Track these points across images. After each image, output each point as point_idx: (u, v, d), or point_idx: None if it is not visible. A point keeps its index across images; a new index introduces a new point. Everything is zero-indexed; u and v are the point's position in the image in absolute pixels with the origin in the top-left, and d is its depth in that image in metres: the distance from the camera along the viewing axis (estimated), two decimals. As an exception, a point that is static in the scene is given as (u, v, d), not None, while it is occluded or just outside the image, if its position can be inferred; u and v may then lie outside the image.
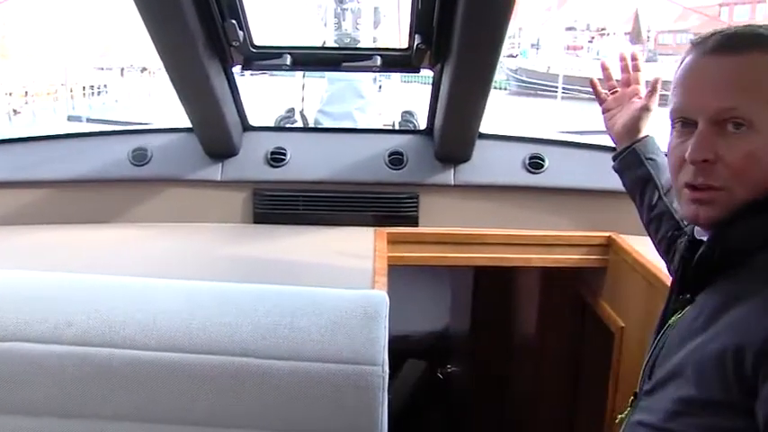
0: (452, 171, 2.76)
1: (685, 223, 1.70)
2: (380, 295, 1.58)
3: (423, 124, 2.93)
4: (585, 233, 2.74)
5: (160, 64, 2.32)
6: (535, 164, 2.76)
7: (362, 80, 6.03)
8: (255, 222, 2.78)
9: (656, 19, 49.38)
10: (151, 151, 2.76)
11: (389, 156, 2.77)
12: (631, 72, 1.90)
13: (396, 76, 8.00)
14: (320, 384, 1.45)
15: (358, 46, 6.05)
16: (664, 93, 1.51)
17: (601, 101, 1.95)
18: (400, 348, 3.68)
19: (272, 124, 5.38)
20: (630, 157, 1.83)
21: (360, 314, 1.51)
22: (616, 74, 1.93)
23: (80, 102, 27.34)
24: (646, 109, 1.83)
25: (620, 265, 2.59)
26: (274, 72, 2.77)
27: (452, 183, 2.76)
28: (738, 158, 1.18)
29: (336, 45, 6.05)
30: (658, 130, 1.73)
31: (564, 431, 3.20)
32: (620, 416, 1.44)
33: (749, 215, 1.18)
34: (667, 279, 2.09)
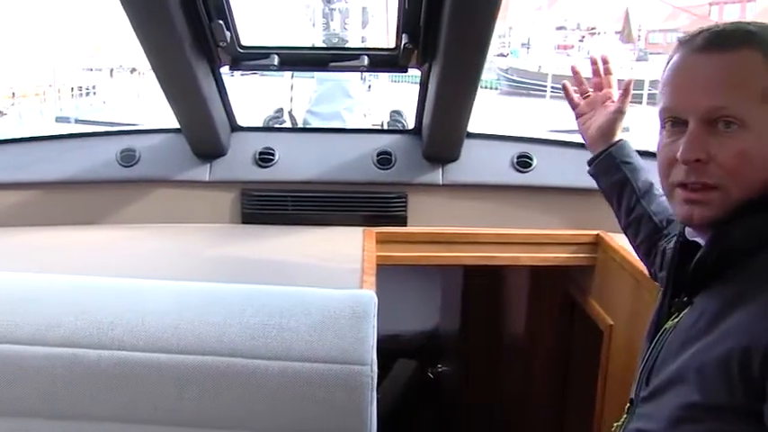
0: (441, 170, 2.76)
1: (664, 224, 1.71)
2: (369, 295, 1.58)
3: (411, 124, 2.93)
4: (574, 232, 2.74)
5: (149, 64, 2.31)
6: (523, 163, 2.77)
7: (351, 80, 6.04)
8: (244, 223, 2.78)
9: (646, 18, 49.50)
10: (139, 152, 2.75)
11: (378, 155, 2.77)
12: (603, 75, 1.90)
13: (385, 76, 8.01)
14: (309, 384, 1.45)
15: (346, 46, 6.05)
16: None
17: (573, 105, 1.95)
18: (391, 348, 3.69)
19: (260, 124, 5.38)
20: (606, 161, 1.83)
21: (348, 314, 1.51)
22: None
23: (67, 103, 27.19)
24: (619, 112, 1.83)
25: (609, 264, 2.59)
26: (264, 72, 2.77)
27: (441, 182, 2.76)
28: (731, 157, 1.17)
29: (325, 45, 6.05)
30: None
31: (554, 429, 3.20)
32: (615, 424, 1.41)
33: (747, 215, 1.17)
34: None
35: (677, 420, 1.15)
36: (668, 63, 1.27)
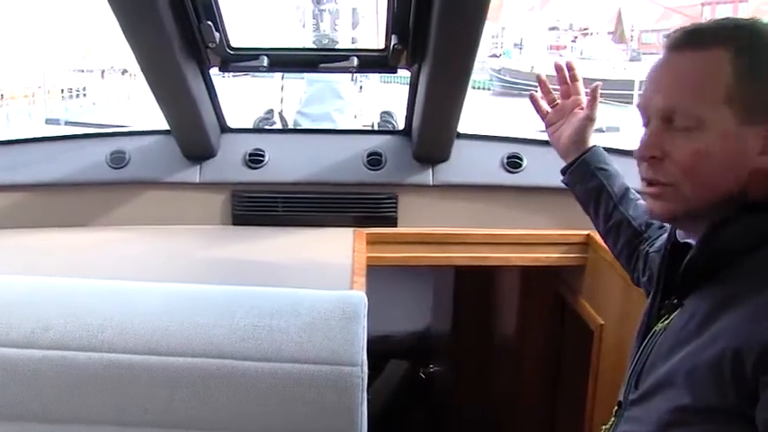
0: (431, 171, 2.77)
1: (644, 228, 1.71)
2: (359, 296, 1.58)
3: (401, 125, 2.93)
4: (564, 232, 2.75)
5: (138, 66, 2.31)
6: (513, 163, 2.77)
7: (341, 81, 6.04)
8: (234, 224, 2.77)
9: (638, 19, 49.61)
10: (129, 154, 2.74)
11: (368, 156, 2.77)
12: (570, 83, 1.88)
13: (376, 77, 8.01)
14: (299, 385, 1.44)
15: (336, 47, 6.05)
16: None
17: (542, 115, 1.93)
18: (382, 349, 3.70)
19: (251, 126, 5.38)
20: (580, 169, 1.82)
21: (338, 315, 1.51)
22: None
23: (57, 105, 27.05)
24: (588, 119, 1.82)
25: (599, 263, 2.60)
26: (255, 74, 2.76)
27: (431, 183, 2.76)
28: (685, 156, 1.18)
29: (315, 46, 6.05)
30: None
31: (544, 429, 3.21)
32: (603, 426, 1.40)
33: (738, 216, 1.17)
34: None
35: (667, 424, 1.15)
36: None
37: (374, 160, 2.77)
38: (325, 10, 6.57)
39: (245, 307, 1.54)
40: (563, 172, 1.87)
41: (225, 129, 2.81)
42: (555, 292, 3.01)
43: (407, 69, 2.48)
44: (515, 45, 47.14)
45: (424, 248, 2.76)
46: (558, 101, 1.91)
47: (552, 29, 49.72)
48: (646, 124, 1.26)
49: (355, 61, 2.44)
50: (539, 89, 1.98)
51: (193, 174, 2.74)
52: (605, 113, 2.54)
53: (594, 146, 1.83)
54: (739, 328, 1.08)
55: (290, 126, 6.21)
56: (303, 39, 6.61)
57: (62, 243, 2.58)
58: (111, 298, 1.61)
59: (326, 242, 2.61)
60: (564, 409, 3.09)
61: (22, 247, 2.53)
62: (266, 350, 1.46)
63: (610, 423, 1.37)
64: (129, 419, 1.49)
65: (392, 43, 2.32)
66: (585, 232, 2.71)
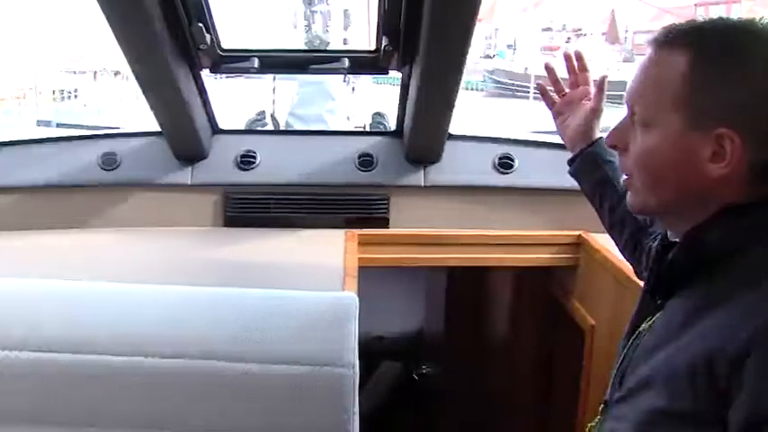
0: (422, 172, 2.77)
1: (648, 222, 1.70)
2: (350, 297, 1.58)
3: (394, 126, 2.93)
4: (556, 232, 2.75)
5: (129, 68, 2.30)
6: (505, 164, 2.77)
7: (333, 82, 6.04)
8: (226, 226, 2.77)
9: (632, 19, 49.60)
10: (120, 156, 2.73)
11: (359, 157, 2.77)
12: (578, 73, 1.86)
13: (367, 78, 8.01)
14: (291, 387, 1.45)
15: (328, 48, 6.05)
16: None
17: (550, 105, 1.90)
18: (375, 350, 3.69)
19: (242, 127, 5.37)
20: (586, 160, 1.80)
21: (330, 316, 1.51)
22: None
23: (48, 106, 26.93)
24: (595, 110, 1.79)
25: (591, 264, 2.61)
26: (249, 75, 2.76)
27: (423, 184, 2.76)
28: (636, 152, 1.22)
29: (306, 47, 6.05)
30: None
31: (537, 429, 3.21)
32: (589, 424, 1.41)
33: (721, 219, 1.16)
34: (636, 277, 2.11)
35: (643, 424, 1.15)
36: None
37: (366, 161, 2.77)
38: (316, 11, 6.58)
39: (236, 308, 1.54)
40: (569, 163, 1.86)
41: (216, 130, 2.81)
42: (547, 292, 3.01)
43: (398, 71, 2.48)
44: (509, 46, 47.04)
45: (416, 249, 2.76)
46: (567, 91, 1.88)
47: (546, 30, 49.61)
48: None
49: (346, 62, 2.44)
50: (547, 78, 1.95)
51: (185, 175, 2.74)
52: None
53: (601, 138, 1.79)
54: (713, 332, 1.08)
55: (282, 127, 6.22)
56: (295, 40, 6.61)
57: (54, 245, 2.57)
58: (102, 300, 1.61)
59: (318, 243, 2.61)
60: (556, 408, 3.09)
61: (13, 250, 2.52)
62: (258, 352, 1.46)
63: (596, 421, 1.37)
64: (120, 421, 1.49)
65: (383, 44, 2.32)
66: (577, 233, 2.71)
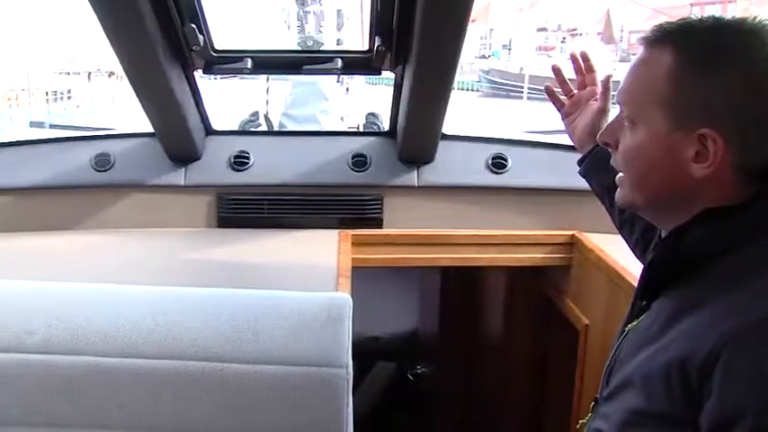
0: (416, 172, 2.77)
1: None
2: (344, 297, 1.58)
3: (387, 126, 2.93)
4: (549, 232, 2.76)
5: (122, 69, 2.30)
6: (498, 164, 2.77)
7: (327, 83, 6.03)
8: (220, 226, 2.77)
9: (627, 19, 49.63)
10: (114, 157, 2.73)
11: (353, 158, 2.77)
12: (585, 73, 1.86)
13: (361, 78, 8.00)
14: (284, 387, 1.45)
15: (321, 48, 6.04)
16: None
17: (558, 106, 1.91)
18: (369, 350, 3.69)
19: (236, 128, 5.36)
20: (596, 160, 1.78)
21: (323, 316, 1.51)
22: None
23: (41, 107, 26.84)
24: (602, 110, 1.79)
25: (584, 264, 2.61)
26: (243, 76, 2.76)
27: (416, 184, 2.76)
28: (623, 150, 1.24)
29: (300, 48, 6.04)
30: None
31: (532, 428, 3.22)
32: (581, 421, 1.42)
33: (702, 222, 1.16)
34: (630, 277, 2.12)
35: (624, 423, 1.17)
36: None
37: (359, 162, 2.77)
38: (309, 12, 6.55)
39: (229, 309, 1.54)
40: (579, 163, 1.85)
41: (210, 131, 2.81)
42: (541, 292, 3.02)
43: (391, 71, 2.48)
44: (504, 46, 47.05)
45: (410, 249, 2.76)
46: (575, 92, 1.88)
47: (541, 30, 49.62)
48: None
49: (339, 63, 2.44)
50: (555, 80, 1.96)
51: (178, 176, 2.74)
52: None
53: None
54: (689, 335, 1.08)
55: (276, 128, 6.21)
56: (288, 41, 6.59)
57: (47, 247, 2.57)
58: (95, 301, 1.61)
59: (312, 244, 2.61)
60: (551, 408, 3.10)
61: (6, 251, 2.52)
62: (251, 352, 1.46)
63: (587, 418, 1.38)
64: (113, 423, 1.49)
65: (376, 45, 2.32)
66: (571, 232, 2.72)
